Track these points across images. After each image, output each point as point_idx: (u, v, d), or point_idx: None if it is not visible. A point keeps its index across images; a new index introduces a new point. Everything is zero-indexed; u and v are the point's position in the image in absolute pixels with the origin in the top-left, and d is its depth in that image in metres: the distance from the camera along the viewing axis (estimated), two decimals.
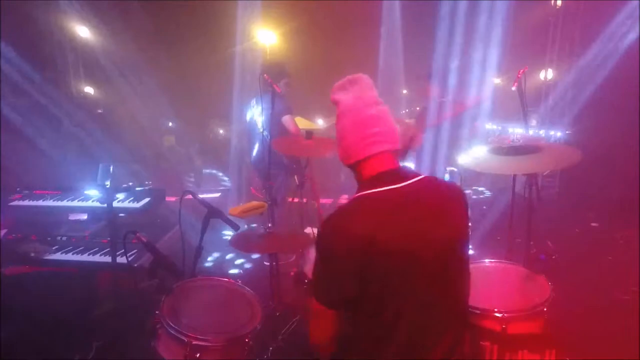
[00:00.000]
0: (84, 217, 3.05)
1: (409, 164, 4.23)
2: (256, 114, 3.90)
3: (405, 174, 1.31)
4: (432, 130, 3.96)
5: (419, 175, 1.32)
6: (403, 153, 1.41)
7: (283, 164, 3.76)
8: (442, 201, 1.31)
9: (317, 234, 1.28)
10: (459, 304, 1.35)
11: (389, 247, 1.17)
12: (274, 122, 3.48)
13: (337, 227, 1.24)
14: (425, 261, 1.21)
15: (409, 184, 1.28)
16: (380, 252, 1.17)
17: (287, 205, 3.92)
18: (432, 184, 1.34)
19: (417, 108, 4.88)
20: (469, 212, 1.39)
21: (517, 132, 5.49)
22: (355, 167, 1.35)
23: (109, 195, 2.34)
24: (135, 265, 2.52)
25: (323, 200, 4.68)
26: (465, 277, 1.34)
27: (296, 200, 3.40)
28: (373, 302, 1.24)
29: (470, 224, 1.42)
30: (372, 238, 1.16)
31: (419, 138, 3.92)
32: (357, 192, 1.30)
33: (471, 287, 1.38)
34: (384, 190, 1.25)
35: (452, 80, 4.23)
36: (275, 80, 3.08)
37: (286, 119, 3.69)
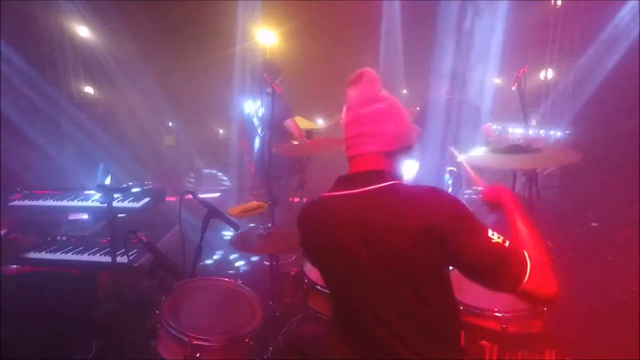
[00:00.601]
0: (84, 217, 3.04)
1: (412, 163, 4.23)
2: (253, 111, 3.90)
3: (365, 180, 1.26)
4: (434, 130, 3.95)
5: (385, 182, 1.24)
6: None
7: (285, 165, 3.76)
8: (395, 212, 1.19)
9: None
10: (411, 316, 1.23)
11: (328, 247, 1.30)
12: (274, 123, 3.48)
13: (301, 216, 1.41)
14: (362, 268, 1.24)
15: (364, 190, 1.24)
16: (322, 250, 1.34)
17: (287, 206, 3.92)
18: (393, 193, 1.23)
19: (417, 108, 4.89)
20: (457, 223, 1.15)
21: (517, 132, 5.49)
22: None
23: (109, 195, 2.33)
24: (135, 265, 2.52)
25: None
26: (416, 293, 1.21)
27: (296, 200, 3.40)
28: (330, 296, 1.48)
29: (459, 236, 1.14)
30: (317, 235, 1.34)
31: (415, 136, 3.92)
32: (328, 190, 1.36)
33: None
34: (337, 194, 1.30)
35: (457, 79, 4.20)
36: (272, 79, 3.08)
37: (289, 122, 3.70)
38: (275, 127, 3.56)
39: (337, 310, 1.41)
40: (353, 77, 1.36)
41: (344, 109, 1.38)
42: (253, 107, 3.92)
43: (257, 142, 3.99)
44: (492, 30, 5.98)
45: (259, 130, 3.83)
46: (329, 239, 1.29)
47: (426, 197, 1.20)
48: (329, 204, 1.32)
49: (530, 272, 1.12)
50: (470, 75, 5.83)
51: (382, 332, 1.25)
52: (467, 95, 4.05)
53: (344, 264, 1.27)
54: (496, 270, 1.13)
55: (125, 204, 2.77)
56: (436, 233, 1.13)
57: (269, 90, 2.84)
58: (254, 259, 4.12)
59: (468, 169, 1.68)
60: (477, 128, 3.95)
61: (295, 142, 3.61)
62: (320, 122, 8.15)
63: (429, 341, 1.26)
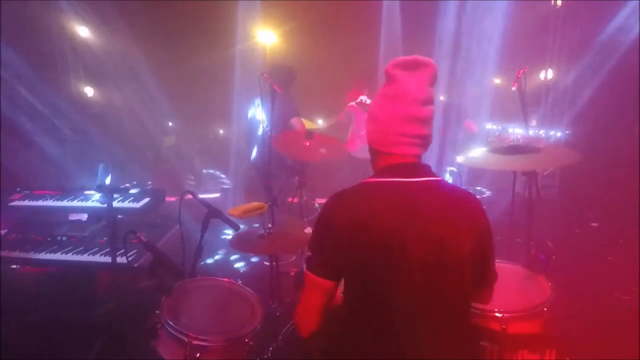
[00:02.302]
0: (84, 217, 3.05)
1: None
2: (259, 113, 3.90)
3: (419, 171, 1.28)
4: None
5: (434, 176, 1.29)
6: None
7: (287, 164, 3.76)
8: (447, 206, 1.24)
9: (323, 205, 1.31)
10: (451, 309, 1.25)
11: (374, 236, 1.18)
12: (279, 122, 3.48)
13: (335, 205, 1.27)
14: (411, 257, 1.18)
15: (419, 181, 1.26)
16: (367, 237, 1.19)
17: (287, 205, 3.92)
18: (442, 188, 1.29)
19: None
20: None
21: (517, 132, 5.50)
22: (377, 152, 1.34)
23: (109, 195, 2.34)
24: (135, 265, 2.52)
25: (323, 201, 4.67)
26: (457, 285, 1.24)
27: (296, 200, 3.40)
28: (358, 288, 1.26)
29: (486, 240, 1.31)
30: (361, 223, 1.19)
31: None
32: (370, 178, 1.31)
33: None
34: (391, 181, 1.26)
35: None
36: (287, 84, 3.09)
37: (295, 121, 3.72)
38: (280, 126, 3.56)
39: (368, 306, 1.25)
40: (411, 60, 1.25)
41: (389, 93, 1.28)
42: (257, 107, 3.92)
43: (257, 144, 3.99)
44: (492, 30, 5.98)
45: (264, 127, 3.82)
46: (385, 222, 1.19)
47: (473, 198, 1.32)
48: (385, 188, 1.25)
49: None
50: (470, 77, 5.86)
51: (421, 328, 1.21)
52: (449, 96, 4.14)
53: (397, 248, 1.18)
54: (491, 274, 1.38)
55: (125, 204, 2.77)
56: (479, 230, 1.26)
57: (270, 90, 2.83)
58: (254, 259, 4.12)
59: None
60: (459, 126, 4.03)
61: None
62: (320, 122, 8.14)
63: (468, 337, 1.30)
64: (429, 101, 1.27)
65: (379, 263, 1.19)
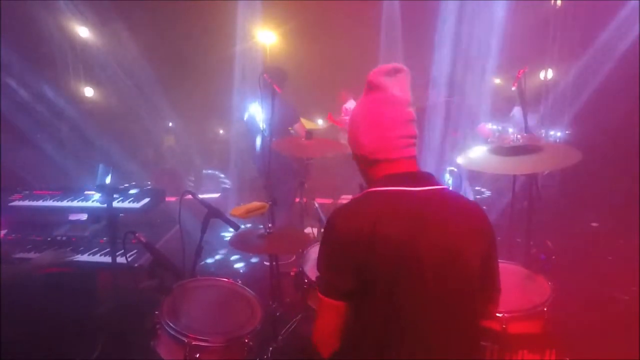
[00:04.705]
0: (84, 217, 3.04)
1: None
2: (259, 115, 3.89)
3: (424, 179, 1.28)
4: (432, 131, 3.97)
5: (438, 184, 1.29)
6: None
7: (292, 168, 3.76)
8: (456, 215, 1.24)
9: (325, 223, 1.28)
10: (462, 319, 1.25)
11: (388, 246, 1.16)
12: (280, 127, 3.47)
13: (342, 218, 1.24)
14: (422, 268, 1.17)
15: (425, 189, 1.25)
16: (379, 249, 1.16)
17: (292, 207, 3.92)
18: (448, 196, 1.29)
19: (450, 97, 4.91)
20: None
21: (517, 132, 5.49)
22: (376, 161, 1.31)
23: (109, 196, 2.34)
24: (135, 265, 2.52)
25: (323, 201, 4.68)
26: (469, 295, 1.25)
27: (296, 200, 3.40)
28: (369, 300, 1.23)
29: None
30: (374, 234, 1.16)
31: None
32: (371, 188, 1.29)
33: None
34: (397, 190, 1.24)
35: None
36: (280, 84, 3.09)
37: (298, 126, 3.74)
38: (281, 129, 3.56)
39: (377, 316, 1.22)
40: (390, 68, 1.30)
41: (376, 98, 1.30)
42: (257, 108, 3.92)
43: (258, 143, 3.99)
44: (492, 31, 5.99)
45: (263, 129, 3.82)
46: (395, 232, 1.17)
47: (478, 207, 1.32)
48: (391, 197, 1.24)
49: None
50: (470, 77, 5.86)
51: (432, 336, 1.21)
52: (465, 97, 4.11)
53: (408, 259, 1.17)
54: (495, 285, 1.36)
55: (125, 204, 2.77)
56: (487, 239, 1.27)
57: (271, 91, 2.83)
58: (254, 259, 4.12)
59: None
60: (465, 130, 4.02)
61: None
62: (320, 122, 8.14)
63: (474, 342, 1.31)
64: (412, 103, 1.32)
65: (391, 272, 1.18)
